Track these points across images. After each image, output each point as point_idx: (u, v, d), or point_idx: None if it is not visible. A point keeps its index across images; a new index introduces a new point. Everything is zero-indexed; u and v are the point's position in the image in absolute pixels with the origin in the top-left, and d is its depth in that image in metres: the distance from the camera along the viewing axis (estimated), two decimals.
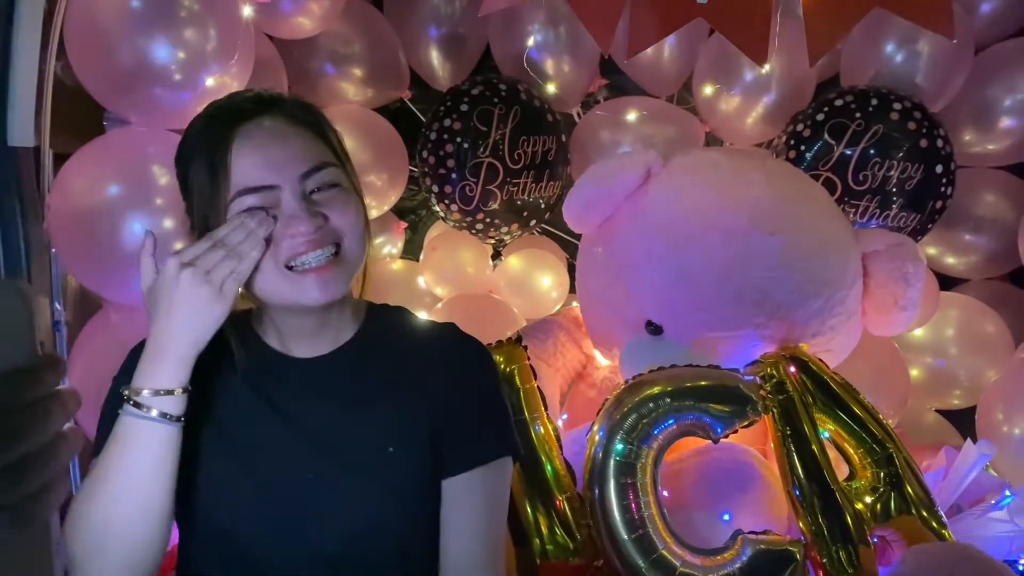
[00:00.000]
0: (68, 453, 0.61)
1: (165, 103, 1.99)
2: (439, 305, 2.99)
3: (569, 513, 1.74)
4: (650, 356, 1.90)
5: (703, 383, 1.74)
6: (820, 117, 2.61)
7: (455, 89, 2.89)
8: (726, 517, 1.76)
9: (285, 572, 1.04)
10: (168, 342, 0.95)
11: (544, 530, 1.73)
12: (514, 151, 2.79)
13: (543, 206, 2.96)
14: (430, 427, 1.07)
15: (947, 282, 2.95)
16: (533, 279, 2.99)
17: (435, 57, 2.96)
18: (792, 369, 1.84)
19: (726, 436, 1.72)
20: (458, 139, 2.78)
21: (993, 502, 2.03)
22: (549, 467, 1.75)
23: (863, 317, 2.12)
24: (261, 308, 1.10)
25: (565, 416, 2.26)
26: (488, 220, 2.90)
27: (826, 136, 2.59)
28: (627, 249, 2.08)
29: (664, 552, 1.61)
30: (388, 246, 3.24)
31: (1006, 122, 2.68)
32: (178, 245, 0.99)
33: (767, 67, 2.60)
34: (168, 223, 1.90)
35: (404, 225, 3.27)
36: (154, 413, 0.95)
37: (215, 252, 0.96)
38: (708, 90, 2.83)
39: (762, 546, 1.65)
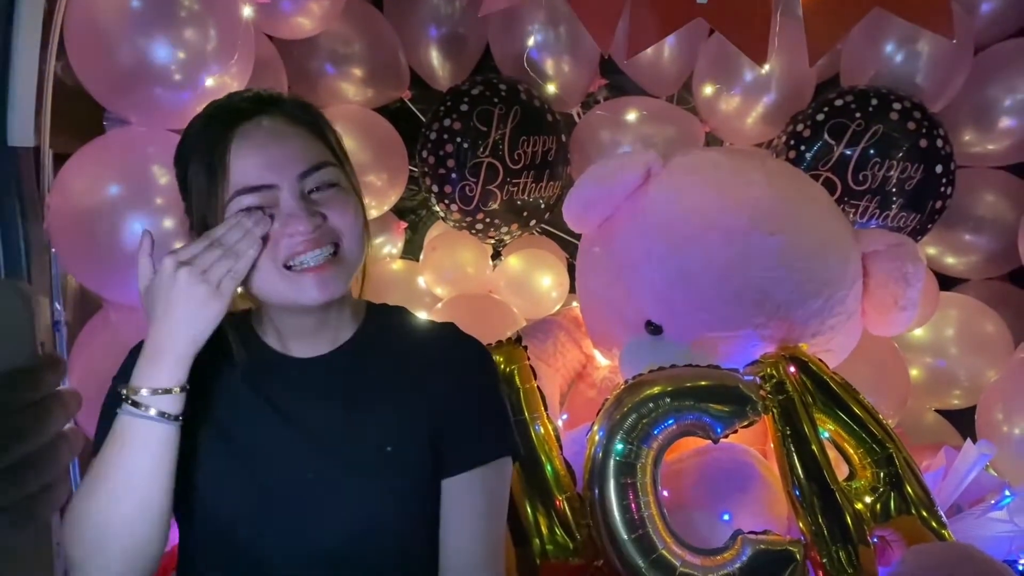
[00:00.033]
0: (68, 453, 0.61)
1: (165, 103, 1.99)
2: (439, 305, 2.99)
3: (569, 513, 1.74)
4: (650, 356, 1.90)
5: (703, 383, 1.74)
6: (820, 117, 2.61)
7: (455, 89, 2.89)
8: (726, 517, 1.76)
9: (285, 571, 1.04)
10: (166, 341, 0.95)
11: (544, 530, 1.73)
12: (514, 151, 2.79)
13: (543, 206, 2.96)
14: (430, 427, 1.07)
15: (947, 282, 2.95)
16: (533, 279, 2.99)
17: (435, 57, 2.97)
18: (792, 369, 1.84)
19: (726, 436, 1.72)
20: (458, 139, 2.78)
21: (993, 502, 2.03)
22: (549, 467, 1.75)
23: (863, 317, 2.12)
24: (260, 308, 1.10)
25: (565, 416, 2.26)
26: (488, 220, 2.90)
27: (826, 136, 2.59)
28: (627, 249, 2.08)
29: (664, 552, 1.62)
30: (388, 246, 3.24)
31: (1006, 122, 2.69)
32: (177, 245, 0.99)
33: (767, 67, 2.60)
34: (168, 223, 1.90)
35: (404, 225, 3.27)
36: (152, 412, 0.95)
37: (212, 251, 0.96)
38: (708, 90, 2.83)
39: (762, 546, 1.65)
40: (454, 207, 2.87)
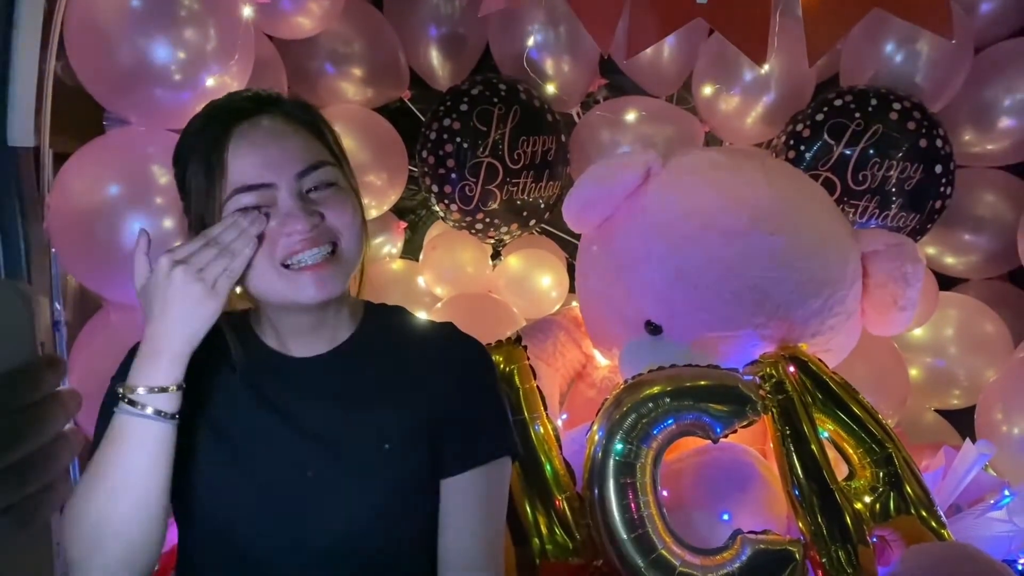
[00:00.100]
0: (68, 454, 0.61)
1: (165, 103, 1.99)
2: (439, 305, 2.99)
3: (568, 513, 1.74)
4: (649, 356, 1.90)
5: (702, 383, 1.74)
6: (819, 117, 2.61)
7: (455, 89, 2.89)
8: (725, 517, 1.76)
9: (283, 571, 1.04)
10: (162, 340, 0.96)
11: (543, 530, 1.73)
12: (514, 151, 2.79)
13: (543, 206, 2.96)
14: (428, 427, 1.07)
15: (946, 282, 2.95)
16: (533, 279, 3.00)
17: (435, 57, 2.97)
18: (791, 369, 1.84)
19: (725, 436, 1.72)
20: (458, 139, 2.78)
21: (992, 502, 2.03)
22: (548, 467, 1.75)
23: (862, 317, 2.12)
24: (259, 308, 1.10)
25: (565, 416, 2.26)
26: (488, 220, 2.90)
27: (825, 136, 2.59)
28: (627, 249, 2.08)
29: (663, 552, 1.62)
30: (388, 246, 3.24)
31: (1006, 122, 2.69)
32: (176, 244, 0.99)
33: (766, 67, 2.61)
34: (168, 223, 1.91)
35: (404, 225, 3.27)
36: (149, 411, 0.95)
37: (208, 250, 0.96)
38: (708, 90, 2.83)
39: (761, 546, 1.65)
40: (454, 207, 2.87)
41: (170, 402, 0.96)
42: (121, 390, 0.96)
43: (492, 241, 3.07)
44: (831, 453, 1.82)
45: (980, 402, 2.55)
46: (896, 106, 2.55)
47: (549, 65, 2.89)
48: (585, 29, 2.17)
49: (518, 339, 1.88)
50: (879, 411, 1.88)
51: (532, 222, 3.01)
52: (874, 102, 2.56)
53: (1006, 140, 2.72)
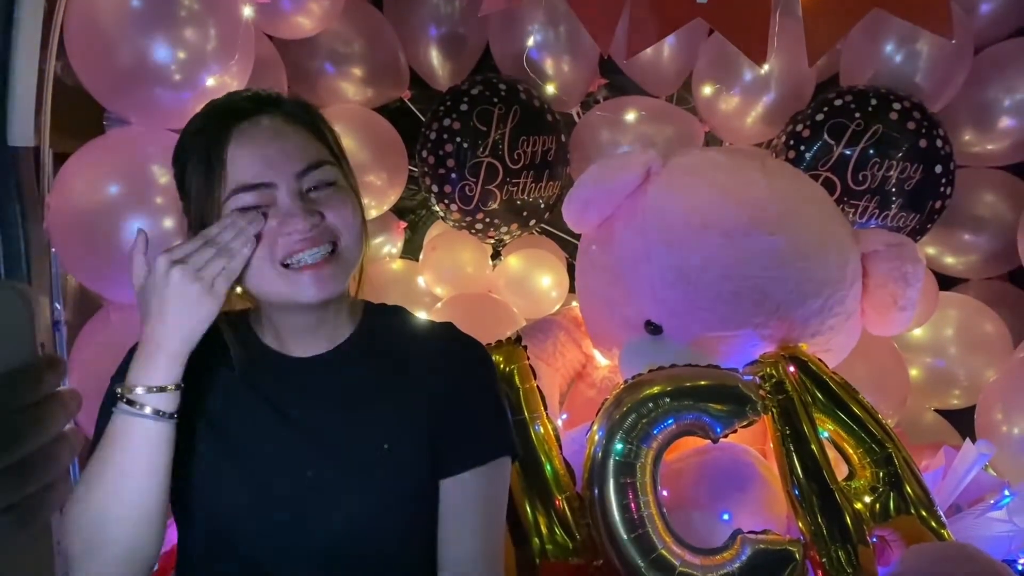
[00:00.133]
0: (69, 454, 0.61)
1: (165, 103, 1.99)
2: (439, 305, 3.00)
3: (568, 513, 1.74)
4: (649, 356, 1.90)
5: (702, 383, 1.74)
6: (819, 117, 2.61)
7: (455, 89, 2.89)
8: (725, 517, 1.76)
9: (283, 571, 1.04)
10: (160, 340, 0.96)
11: (543, 530, 1.73)
12: (514, 151, 2.79)
13: (543, 206, 2.96)
14: (428, 427, 1.07)
15: (946, 282, 2.95)
16: (533, 279, 3.00)
17: (435, 57, 2.97)
18: (791, 369, 1.84)
19: (725, 436, 1.72)
20: (458, 139, 2.78)
21: (992, 502, 2.03)
22: (548, 467, 1.75)
23: (862, 317, 2.12)
24: (259, 307, 1.10)
25: (565, 416, 2.26)
26: (488, 220, 2.90)
27: (825, 136, 2.59)
28: (627, 249, 2.08)
29: (663, 551, 1.62)
30: (388, 246, 3.24)
31: (1006, 122, 2.69)
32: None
33: (766, 67, 2.61)
34: (168, 223, 1.91)
35: (404, 225, 3.27)
36: (147, 410, 0.95)
37: (205, 250, 0.96)
38: (707, 90, 2.83)
39: (761, 546, 1.65)
40: (454, 207, 2.87)
41: (168, 402, 0.96)
42: (120, 390, 0.96)
43: (492, 241, 3.07)
44: (831, 453, 1.82)
45: (980, 402, 2.55)
46: (896, 106, 2.55)
47: (549, 65, 2.89)
48: (585, 29, 2.17)
49: (518, 339, 1.88)
50: (879, 411, 1.88)
51: (532, 222, 3.01)
52: (874, 102, 2.56)
53: (1006, 140, 2.72)
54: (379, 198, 2.95)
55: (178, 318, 0.95)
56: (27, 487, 0.57)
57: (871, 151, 2.55)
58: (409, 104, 3.03)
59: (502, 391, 1.15)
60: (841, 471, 1.85)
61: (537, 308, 2.97)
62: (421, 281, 3.15)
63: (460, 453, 1.08)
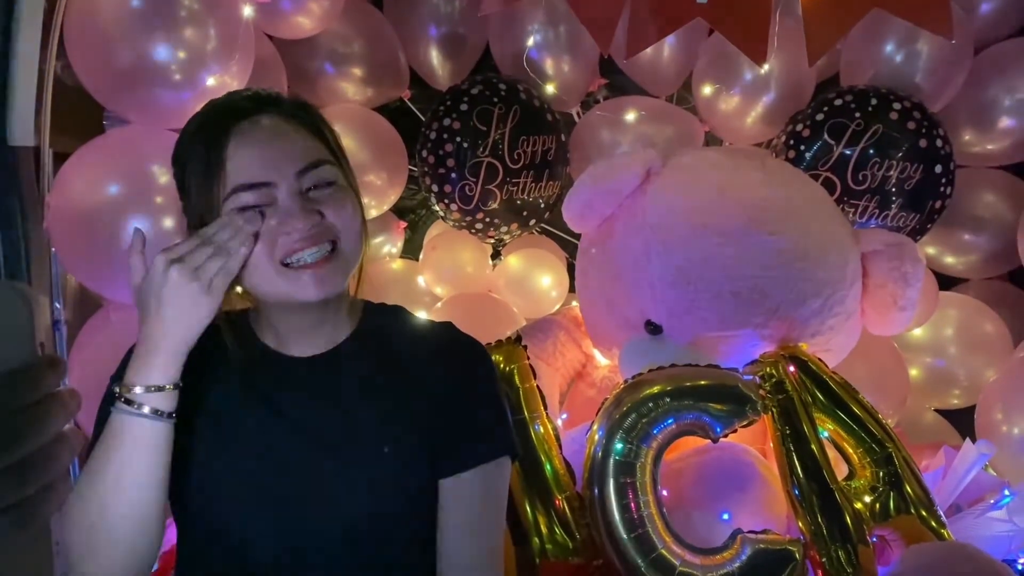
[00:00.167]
0: (68, 454, 0.61)
1: (165, 103, 1.99)
2: (439, 304, 3.00)
3: (568, 512, 1.74)
4: (649, 355, 1.90)
5: (702, 383, 1.75)
6: (819, 117, 2.61)
7: (455, 88, 2.89)
8: (725, 516, 1.76)
9: (282, 571, 1.04)
10: (158, 339, 0.96)
11: (543, 529, 1.73)
12: (514, 151, 2.79)
13: (543, 206, 2.96)
14: (427, 427, 1.07)
15: (946, 282, 2.95)
16: (533, 278, 3.00)
17: (435, 56, 2.97)
18: (791, 368, 1.84)
19: (725, 436, 1.72)
20: (458, 138, 2.78)
21: (992, 501, 2.03)
22: (548, 466, 1.75)
23: (862, 317, 2.12)
24: (258, 307, 1.10)
25: (565, 415, 2.26)
26: (488, 219, 2.90)
27: (825, 136, 2.59)
28: (627, 249, 2.08)
29: (663, 551, 1.62)
30: (388, 245, 3.24)
31: (1006, 122, 2.69)
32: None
33: (766, 67, 2.61)
34: (168, 223, 1.91)
35: (404, 224, 3.27)
36: (146, 410, 0.95)
37: (203, 249, 0.96)
38: (707, 90, 2.83)
39: (761, 545, 1.65)
40: (454, 206, 2.87)
41: (167, 401, 0.96)
42: (118, 389, 0.96)
43: (492, 241, 3.07)
44: (831, 453, 1.82)
45: (980, 402, 2.55)
46: (896, 106, 2.55)
47: (549, 65, 2.89)
48: (585, 29, 2.17)
49: (518, 339, 1.88)
50: (879, 411, 1.88)
51: (532, 222, 3.01)
52: (874, 102, 2.56)
53: (1006, 140, 2.73)
54: (379, 198, 2.95)
55: (176, 317, 0.95)
56: (27, 487, 0.57)
57: (871, 151, 2.55)
58: (409, 104, 3.03)
59: (502, 391, 1.15)
60: (841, 471, 1.85)
61: (537, 308, 2.97)
62: (421, 281, 3.15)
63: (460, 453, 1.07)
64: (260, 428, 1.05)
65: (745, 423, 1.72)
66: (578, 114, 3.07)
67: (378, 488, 1.04)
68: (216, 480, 1.04)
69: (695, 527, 1.73)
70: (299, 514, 1.03)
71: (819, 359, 1.90)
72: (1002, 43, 2.69)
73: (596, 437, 1.73)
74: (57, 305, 2.00)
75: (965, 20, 2.51)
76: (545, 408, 1.80)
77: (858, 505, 1.77)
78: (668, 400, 1.71)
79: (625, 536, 1.63)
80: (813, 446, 1.76)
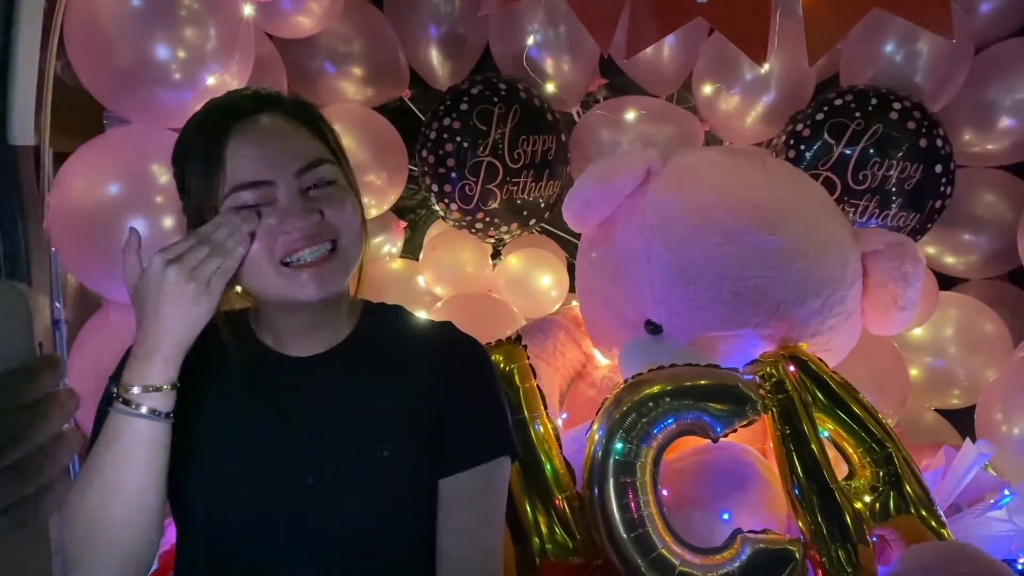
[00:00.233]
0: (67, 453, 0.61)
1: (165, 102, 1.99)
2: (438, 304, 3.00)
3: (568, 512, 1.74)
4: (649, 355, 1.90)
5: (702, 382, 1.74)
6: (819, 117, 2.61)
7: (455, 88, 2.89)
8: (725, 516, 1.76)
9: (282, 571, 1.04)
10: (156, 339, 0.95)
11: (543, 529, 1.73)
12: (514, 150, 2.79)
13: (543, 205, 2.96)
14: (427, 426, 1.07)
15: (946, 282, 2.95)
16: (533, 278, 3.00)
17: (435, 56, 2.97)
18: (791, 368, 1.84)
19: (725, 435, 1.72)
20: (458, 138, 2.78)
21: (992, 501, 2.03)
22: (548, 466, 1.75)
23: (862, 317, 2.12)
24: (258, 307, 1.10)
25: (565, 415, 2.26)
26: (488, 219, 2.90)
27: (825, 136, 2.59)
28: (627, 249, 2.08)
29: (663, 551, 1.62)
30: (388, 245, 3.24)
31: (1006, 122, 2.69)
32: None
33: (766, 67, 2.61)
34: (168, 222, 1.91)
35: (404, 224, 3.27)
36: (143, 410, 0.95)
37: (200, 248, 0.96)
38: (708, 89, 2.83)
39: (761, 545, 1.65)
40: (454, 206, 2.87)
41: (164, 401, 0.96)
42: (116, 389, 0.96)
43: (492, 241, 3.07)
44: (831, 453, 1.82)
45: (980, 402, 2.55)
46: (896, 106, 2.55)
47: (549, 65, 2.89)
48: (585, 29, 2.17)
49: (518, 338, 1.88)
50: (879, 411, 1.88)
51: (532, 221, 3.01)
52: (874, 102, 2.56)
53: (1006, 140, 2.72)
54: (379, 197, 2.95)
55: (173, 317, 0.95)
56: (25, 487, 0.57)
57: (871, 151, 2.55)
58: (409, 104, 3.03)
59: (502, 390, 1.15)
60: (841, 471, 1.85)
61: (537, 308, 2.97)
62: (421, 280, 3.15)
63: (460, 452, 1.07)
64: (259, 429, 1.05)
65: (745, 423, 1.72)
66: (578, 114, 3.07)
67: (378, 488, 1.04)
68: (216, 480, 1.04)
69: (695, 527, 1.73)
70: (298, 514, 1.03)
71: (819, 359, 1.90)
72: (1002, 43, 2.69)
73: (596, 437, 1.73)
74: (57, 305, 2.00)
75: (965, 20, 2.51)
76: (545, 408, 1.80)
77: (858, 505, 1.77)
78: (668, 400, 1.71)
79: (625, 536, 1.63)
80: (813, 446, 1.76)
